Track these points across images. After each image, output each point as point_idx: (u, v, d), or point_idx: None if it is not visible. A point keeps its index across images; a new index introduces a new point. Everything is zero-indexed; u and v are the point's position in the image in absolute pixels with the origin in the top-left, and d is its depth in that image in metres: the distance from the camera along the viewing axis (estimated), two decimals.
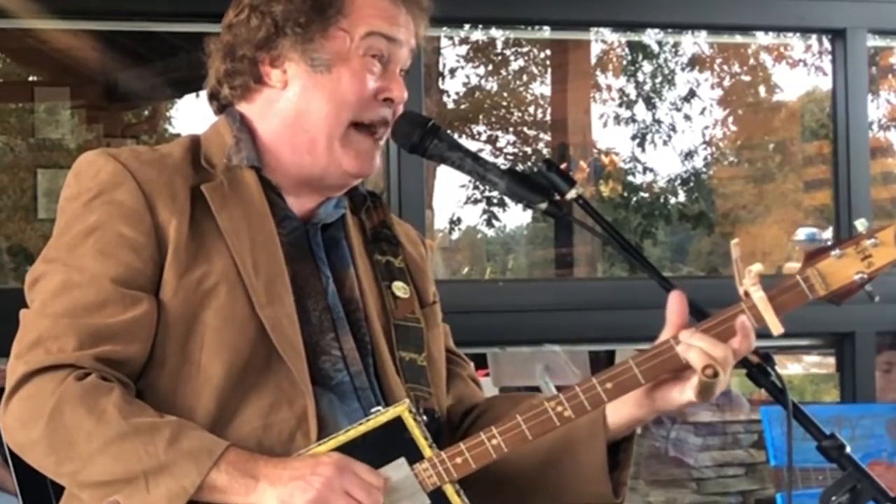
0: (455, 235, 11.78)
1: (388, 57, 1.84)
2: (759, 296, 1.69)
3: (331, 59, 1.81)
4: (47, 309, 1.73)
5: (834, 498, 1.68)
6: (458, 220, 11.67)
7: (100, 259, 1.73)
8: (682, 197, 11.62)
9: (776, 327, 1.68)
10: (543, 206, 1.82)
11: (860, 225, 1.71)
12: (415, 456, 1.72)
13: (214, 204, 1.77)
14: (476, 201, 11.59)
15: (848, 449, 1.70)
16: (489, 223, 11.73)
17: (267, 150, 1.85)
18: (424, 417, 1.78)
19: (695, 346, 1.69)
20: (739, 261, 1.70)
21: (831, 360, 5.71)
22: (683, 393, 1.73)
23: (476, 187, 11.28)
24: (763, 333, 1.72)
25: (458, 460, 1.72)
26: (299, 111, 1.83)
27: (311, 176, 1.85)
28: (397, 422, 1.72)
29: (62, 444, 1.66)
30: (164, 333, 1.73)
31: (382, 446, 1.71)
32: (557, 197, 1.82)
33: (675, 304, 1.74)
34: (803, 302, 1.70)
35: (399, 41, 1.84)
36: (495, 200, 11.33)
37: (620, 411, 1.78)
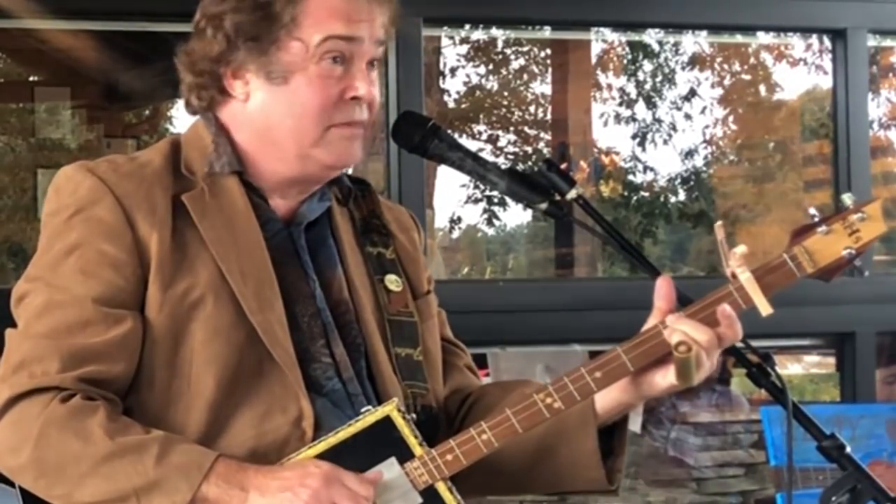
0: (455, 234, 11.77)
1: (349, 56, 1.78)
2: (745, 276, 1.68)
3: (287, 69, 1.77)
4: (30, 330, 1.72)
5: (834, 498, 1.68)
6: (459, 219, 11.64)
7: (81, 278, 1.72)
8: (682, 196, 11.59)
9: (765, 308, 1.67)
10: (544, 206, 1.82)
11: (847, 199, 1.69)
12: (405, 455, 1.72)
13: (196, 213, 1.76)
14: (476, 200, 11.57)
15: (848, 449, 1.70)
16: (489, 222, 11.71)
17: (244, 155, 1.83)
18: (414, 415, 1.77)
19: (678, 330, 1.69)
20: (724, 242, 1.69)
21: (831, 360, 5.70)
22: (666, 377, 1.73)
23: (476, 186, 11.27)
24: (763, 333, 1.72)
25: (449, 457, 1.72)
26: (265, 124, 1.80)
27: (291, 178, 1.84)
28: (386, 421, 1.73)
29: (51, 468, 1.66)
30: (151, 350, 1.73)
31: (373, 446, 1.71)
32: (558, 197, 1.82)
33: (663, 289, 1.74)
34: (791, 280, 1.69)
35: (359, 38, 1.78)
36: (496, 200, 11.31)
37: (607, 397, 1.78)
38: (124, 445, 1.65)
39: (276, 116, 1.79)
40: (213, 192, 1.79)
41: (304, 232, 1.87)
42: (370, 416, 1.73)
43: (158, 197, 1.76)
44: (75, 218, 1.75)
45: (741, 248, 1.68)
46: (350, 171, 1.99)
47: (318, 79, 1.77)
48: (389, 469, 1.71)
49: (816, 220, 1.69)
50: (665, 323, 1.71)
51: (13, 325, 1.78)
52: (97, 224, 1.73)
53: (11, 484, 1.93)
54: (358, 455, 1.71)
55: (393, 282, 1.91)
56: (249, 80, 1.80)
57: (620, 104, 11.27)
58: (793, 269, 1.68)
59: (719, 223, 1.73)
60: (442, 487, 1.72)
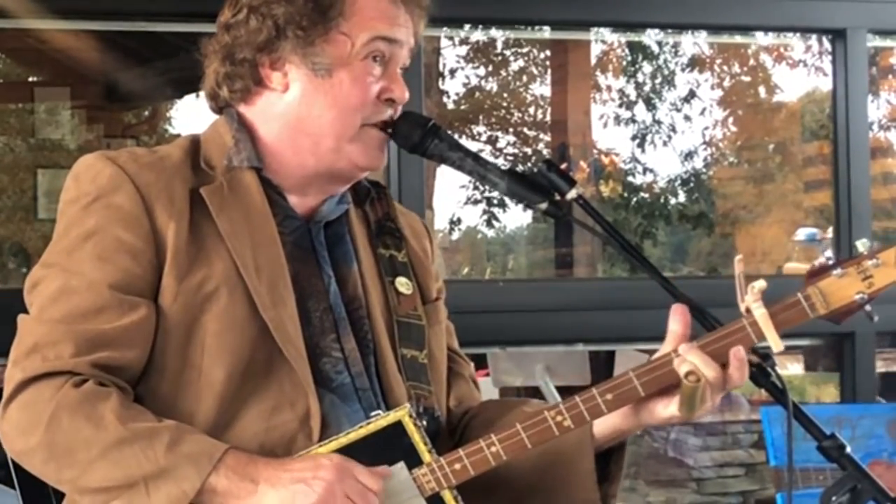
0: (455, 235, 11.79)
1: (388, 57, 1.82)
2: (760, 312, 1.69)
3: (332, 63, 1.79)
4: (44, 315, 1.72)
5: (834, 498, 1.68)
6: (459, 220, 11.67)
7: (98, 264, 1.72)
8: (682, 197, 11.62)
9: (777, 345, 1.69)
10: (543, 206, 1.82)
11: (861, 245, 1.71)
12: (414, 461, 1.72)
13: (213, 207, 1.76)
14: (476, 201, 11.60)
15: (848, 449, 1.70)
16: (489, 223, 11.74)
17: (268, 150, 1.84)
18: (424, 422, 1.78)
19: (688, 361, 1.70)
20: (742, 277, 1.70)
21: (831, 361, 5.71)
22: (668, 407, 1.74)
23: (476, 187, 11.30)
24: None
25: (457, 466, 1.72)
26: (301, 115, 1.82)
27: (316, 174, 1.84)
28: (397, 426, 1.72)
29: (61, 452, 1.66)
30: (163, 339, 1.73)
31: (382, 450, 1.71)
32: (558, 197, 1.82)
33: (678, 316, 1.74)
34: (804, 320, 1.71)
35: (400, 42, 1.83)
36: (495, 201, 11.33)
37: (606, 422, 1.79)
38: (136, 432, 1.65)
39: (317, 108, 1.81)
40: (232, 187, 1.80)
41: (323, 229, 1.88)
42: (382, 419, 1.73)
43: (177, 188, 1.76)
44: (94, 205, 1.75)
45: (760, 284, 1.69)
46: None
47: (362, 75, 1.80)
48: (398, 474, 1.71)
49: (832, 262, 1.71)
50: (678, 351, 1.72)
51: (14, 323, 1.77)
52: (116, 211, 1.74)
53: (12, 485, 1.94)
54: (367, 458, 1.70)
55: (403, 284, 1.92)
56: (289, 70, 1.81)
57: (620, 105, 11.30)
58: (806, 309, 1.70)
59: (739, 257, 1.74)
60: (448, 496, 1.72)
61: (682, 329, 1.73)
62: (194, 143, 1.85)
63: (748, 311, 1.70)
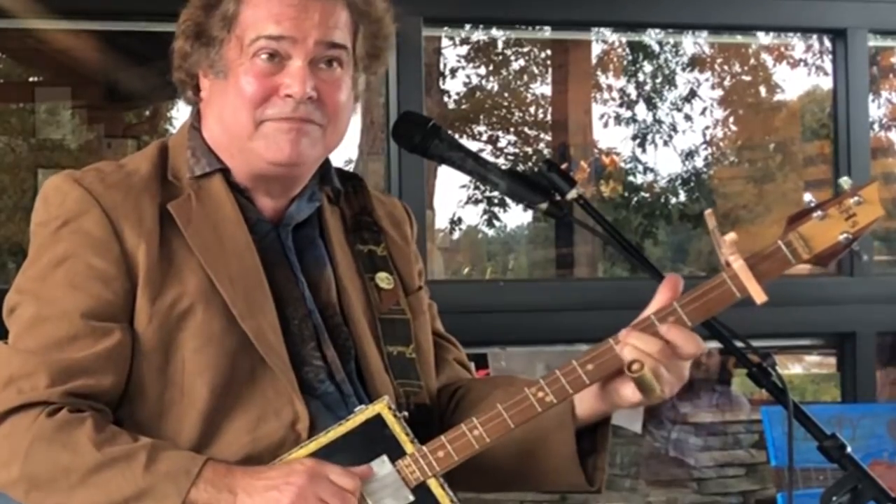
0: (456, 235, 11.77)
1: (284, 54, 1.79)
2: (738, 264, 1.66)
3: (227, 65, 1.81)
4: (19, 345, 1.74)
5: (835, 498, 1.67)
6: (459, 220, 11.64)
7: (69, 292, 1.73)
8: (682, 197, 11.60)
9: (759, 295, 1.65)
10: (544, 206, 1.82)
11: (845, 183, 1.67)
12: (397, 452, 1.72)
13: (182, 221, 1.77)
14: (477, 201, 11.58)
15: (849, 449, 1.70)
16: (490, 223, 11.72)
17: (217, 153, 1.85)
18: (406, 413, 1.77)
19: (629, 345, 1.69)
20: (716, 230, 1.67)
21: (832, 360, 5.71)
22: (636, 392, 1.73)
23: (477, 187, 11.27)
24: (763, 333, 1.72)
25: (441, 454, 1.72)
26: (217, 117, 1.84)
27: (252, 174, 1.84)
28: (377, 419, 1.73)
29: (42, 481, 1.68)
30: (141, 362, 1.73)
31: (364, 445, 1.72)
32: (558, 197, 1.82)
33: (668, 286, 1.73)
34: (786, 268, 1.67)
35: (290, 38, 1.79)
36: (496, 200, 11.31)
37: (584, 403, 1.79)
38: (112, 455, 1.66)
39: (225, 111, 1.82)
40: (200, 198, 1.80)
41: (292, 233, 1.87)
42: (361, 414, 1.73)
43: (146, 207, 1.77)
44: (63, 230, 1.76)
45: (731, 236, 1.65)
46: (350, 169, 1.98)
47: (249, 74, 1.80)
48: (381, 467, 1.72)
49: (812, 205, 1.66)
50: (617, 339, 1.71)
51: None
52: (84, 237, 1.74)
53: None
54: (349, 453, 1.71)
55: (384, 279, 1.92)
56: (207, 75, 1.85)
57: (621, 105, 11.28)
58: (788, 255, 1.66)
59: (709, 210, 1.70)
60: (434, 484, 1.72)
61: (668, 302, 1.71)
62: (163, 153, 1.86)
63: (728, 264, 1.67)
